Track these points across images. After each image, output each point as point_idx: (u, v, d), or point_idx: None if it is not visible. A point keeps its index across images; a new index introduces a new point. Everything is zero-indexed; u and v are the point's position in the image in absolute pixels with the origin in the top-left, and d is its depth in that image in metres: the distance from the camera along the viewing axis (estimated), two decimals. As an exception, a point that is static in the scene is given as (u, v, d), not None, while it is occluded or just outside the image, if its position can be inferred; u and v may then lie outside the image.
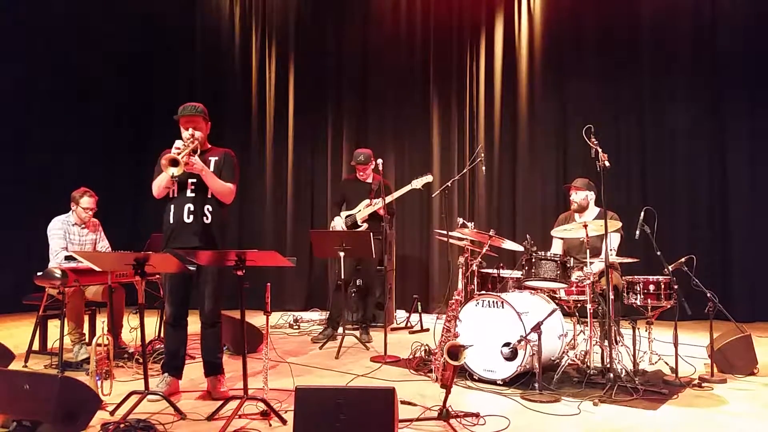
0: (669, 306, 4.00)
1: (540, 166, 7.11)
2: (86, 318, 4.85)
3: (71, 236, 4.78)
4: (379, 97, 7.69)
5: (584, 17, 7.02)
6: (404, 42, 7.65)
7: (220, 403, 3.34)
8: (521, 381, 3.85)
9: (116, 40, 7.93)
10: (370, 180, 5.54)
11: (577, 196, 4.67)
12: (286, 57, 7.96)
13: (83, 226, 4.86)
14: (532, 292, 4.33)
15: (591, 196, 4.68)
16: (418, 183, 5.45)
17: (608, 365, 3.81)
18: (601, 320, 4.05)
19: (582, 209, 4.67)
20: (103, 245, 5.04)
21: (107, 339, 3.62)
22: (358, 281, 5.55)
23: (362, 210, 5.43)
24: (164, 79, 8.17)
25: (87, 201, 4.81)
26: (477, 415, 3.22)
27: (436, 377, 3.95)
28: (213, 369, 3.72)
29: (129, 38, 8.05)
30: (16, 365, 4.28)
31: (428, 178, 5.50)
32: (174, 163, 3.38)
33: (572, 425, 3.20)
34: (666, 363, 4.12)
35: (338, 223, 5.52)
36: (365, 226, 5.39)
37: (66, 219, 4.80)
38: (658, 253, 4.00)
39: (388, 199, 5.33)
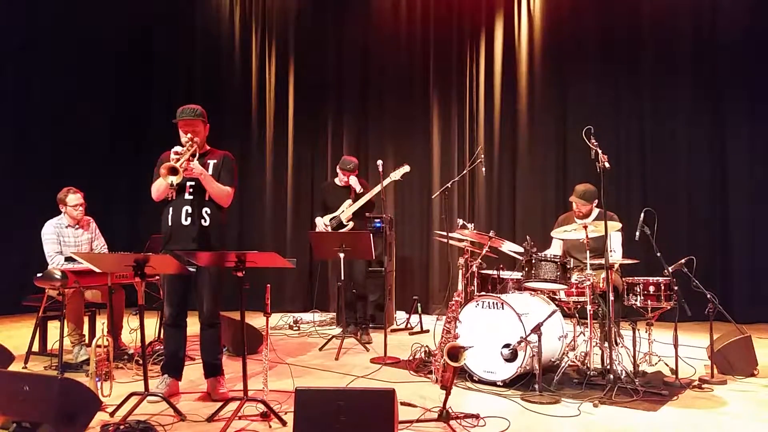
0: (669, 307, 4.00)
1: (540, 167, 7.10)
2: (86, 319, 4.84)
3: (66, 239, 4.75)
4: (379, 97, 7.68)
5: (584, 17, 7.01)
6: (404, 42, 7.64)
7: (220, 404, 3.35)
8: (521, 382, 3.85)
9: (116, 41, 7.93)
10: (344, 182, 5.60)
11: (584, 208, 4.62)
12: (286, 57, 7.94)
13: (77, 226, 4.82)
14: (532, 293, 4.33)
15: (594, 202, 4.65)
16: (396, 174, 5.49)
17: (608, 366, 3.81)
18: (601, 321, 4.05)
19: (587, 216, 4.64)
20: (99, 243, 5.00)
21: (107, 340, 3.62)
22: (352, 282, 5.56)
23: (345, 210, 5.47)
24: (164, 79, 8.17)
25: (73, 198, 4.75)
26: (477, 417, 3.22)
27: (436, 378, 3.95)
28: (212, 370, 3.72)
29: (129, 38, 8.05)
30: (15, 366, 4.28)
31: (405, 169, 5.54)
32: (173, 171, 3.37)
33: (572, 426, 3.20)
34: (666, 364, 4.13)
35: (319, 223, 5.58)
36: (351, 225, 5.42)
37: (58, 222, 4.76)
38: (658, 254, 3.99)
39: (374, 192, 5.41)
